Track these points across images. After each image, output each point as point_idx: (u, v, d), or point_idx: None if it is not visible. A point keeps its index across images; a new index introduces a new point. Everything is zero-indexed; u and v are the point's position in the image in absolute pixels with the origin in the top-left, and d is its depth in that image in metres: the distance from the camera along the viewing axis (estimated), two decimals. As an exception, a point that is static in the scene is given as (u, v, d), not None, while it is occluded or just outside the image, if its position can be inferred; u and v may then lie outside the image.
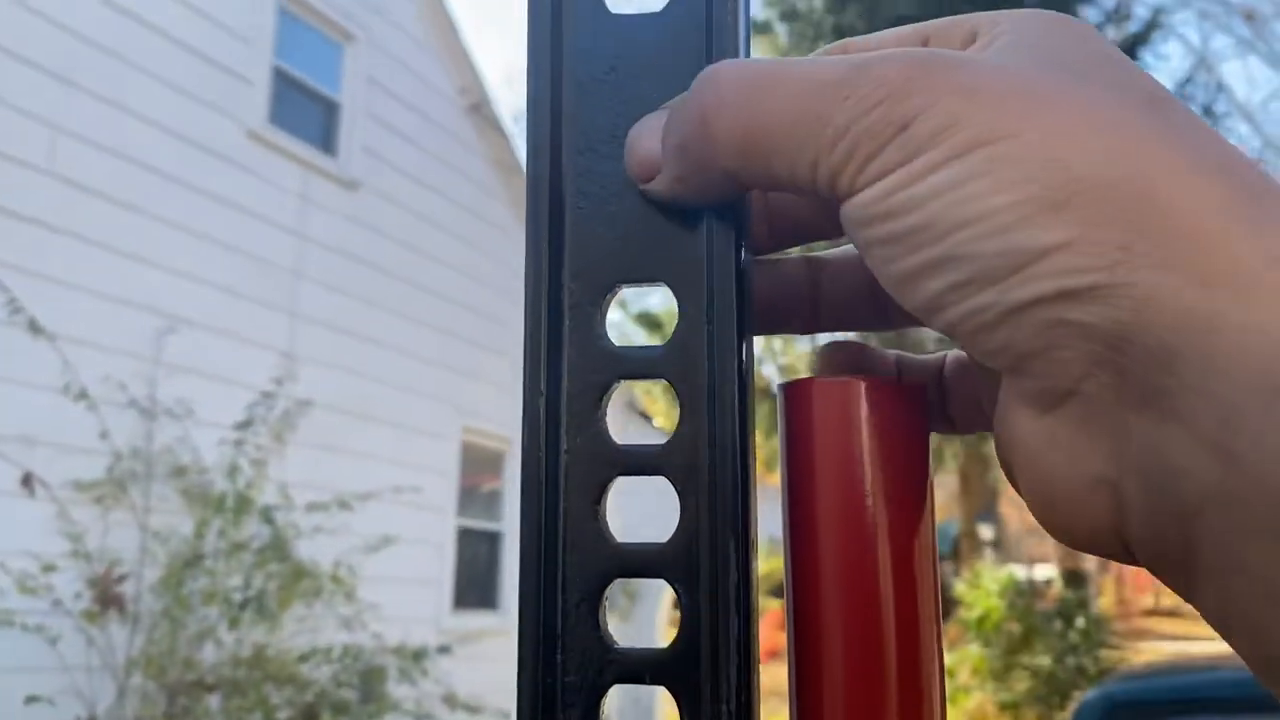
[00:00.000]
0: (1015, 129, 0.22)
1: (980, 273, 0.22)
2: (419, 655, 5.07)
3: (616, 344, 0.28)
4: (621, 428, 0.29)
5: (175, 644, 4.40)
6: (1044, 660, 8.27)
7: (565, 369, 0.28)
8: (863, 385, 0.28)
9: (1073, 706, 2.86)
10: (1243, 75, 23.93)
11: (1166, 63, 20.32)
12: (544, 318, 0.28)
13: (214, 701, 4.50)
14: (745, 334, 0.27)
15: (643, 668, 0.27)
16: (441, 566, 6.39)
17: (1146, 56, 11.98)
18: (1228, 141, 0.23)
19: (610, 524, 0.28)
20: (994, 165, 0.22)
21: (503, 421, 7.09)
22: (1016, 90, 0.23)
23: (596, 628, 0.27)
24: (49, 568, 4.05)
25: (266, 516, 4.80)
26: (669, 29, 0.28)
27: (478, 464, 7.01)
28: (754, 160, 0.25)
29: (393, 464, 5.86)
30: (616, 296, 0.29)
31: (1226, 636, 0.22)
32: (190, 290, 4.92)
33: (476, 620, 6.66)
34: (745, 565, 0.26)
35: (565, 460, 0.27)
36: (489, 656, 6.45)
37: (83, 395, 4.26)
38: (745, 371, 0.27)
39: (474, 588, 6.75)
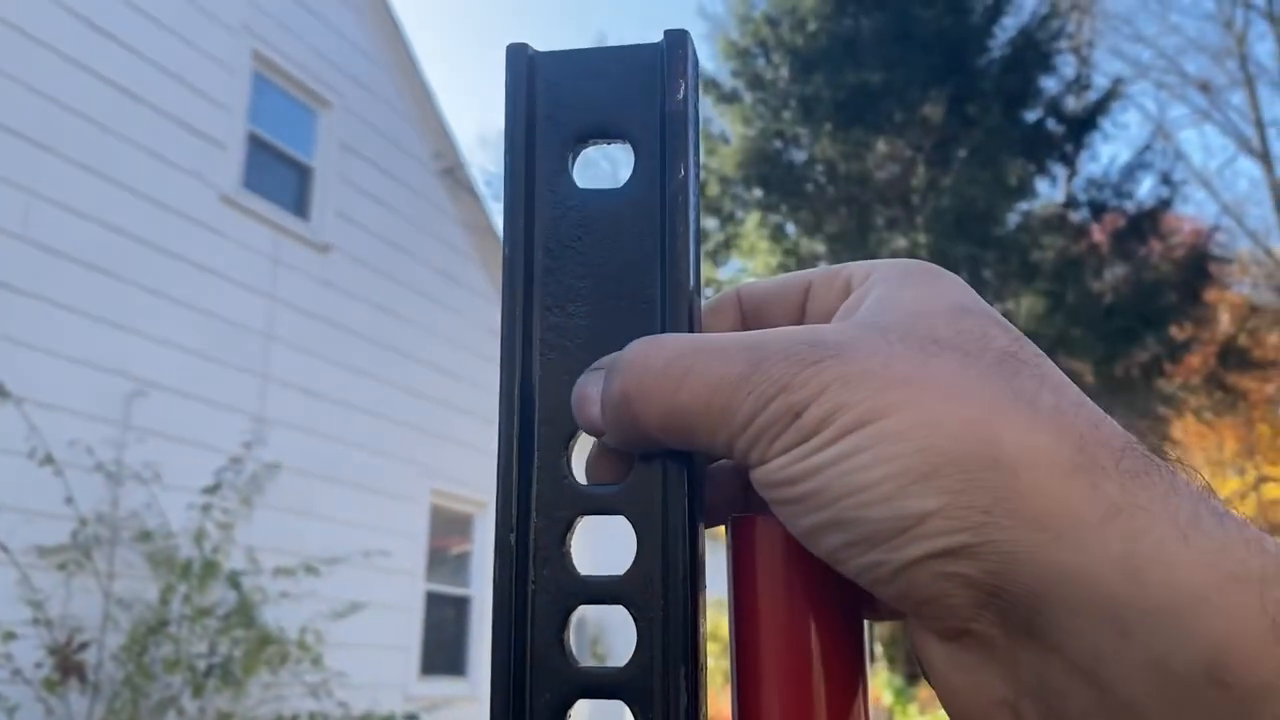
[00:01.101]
0: (888, 410, 0.26)
1: (869, 534, 0.26)
2: (386, 724, 4.99)
3: (580, 482, 0.31)
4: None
5: (137, 713, 4.31)
6: None
7: (534, 505, 0.31)
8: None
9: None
10: (1199, 143, 24.63)
11: (1125, 131, 20.79)
12: (515, 459, 0.31)
13: (175, 772, 4.41)
14: (696, 471, 0.31)
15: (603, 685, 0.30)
16: (409, 632, 6.32)
17: (1106, 125, 12.27)
18: (1070, 387, 0.27)
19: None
20: (874, 442, 0.26)
21: (472, 483, 7.06)
22: (888, 374, 0.27)
23: (562, 651, 0.30)
24: (9, 635, 3.97)
25: (233, 582, 4.75)
26: (628, 202, 0.32)
27: (447, 526, 6.96)
28: (677, 436, 0.29)
29: (361, 527, 5.82)
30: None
31: None
32: (160, 354, 4.90)
33: (444, 687, 6.57)
34: (694, 689, 0.29)
35: (532, 590, 0.30)
36: (457, 723, 6.36)
37: (48, 460, 4.22)
38: (695, 509, 0.30)
39: (442, 653, 6.67)
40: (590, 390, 0.31)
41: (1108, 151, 37.35)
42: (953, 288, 0.30)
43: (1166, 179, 11.89)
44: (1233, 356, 12.13)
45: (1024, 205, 11.21)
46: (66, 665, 4.16)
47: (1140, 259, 11.22)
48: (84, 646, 4.24)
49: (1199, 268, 11.35)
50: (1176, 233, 12.52)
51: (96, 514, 4.46)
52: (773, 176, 10.86)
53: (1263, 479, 17.12)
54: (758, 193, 11.14)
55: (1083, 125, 11.37)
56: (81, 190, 4.66)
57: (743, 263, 11.34)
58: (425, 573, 6.57)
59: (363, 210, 6.44)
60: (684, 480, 0.30)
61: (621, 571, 0.30)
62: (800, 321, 0.33)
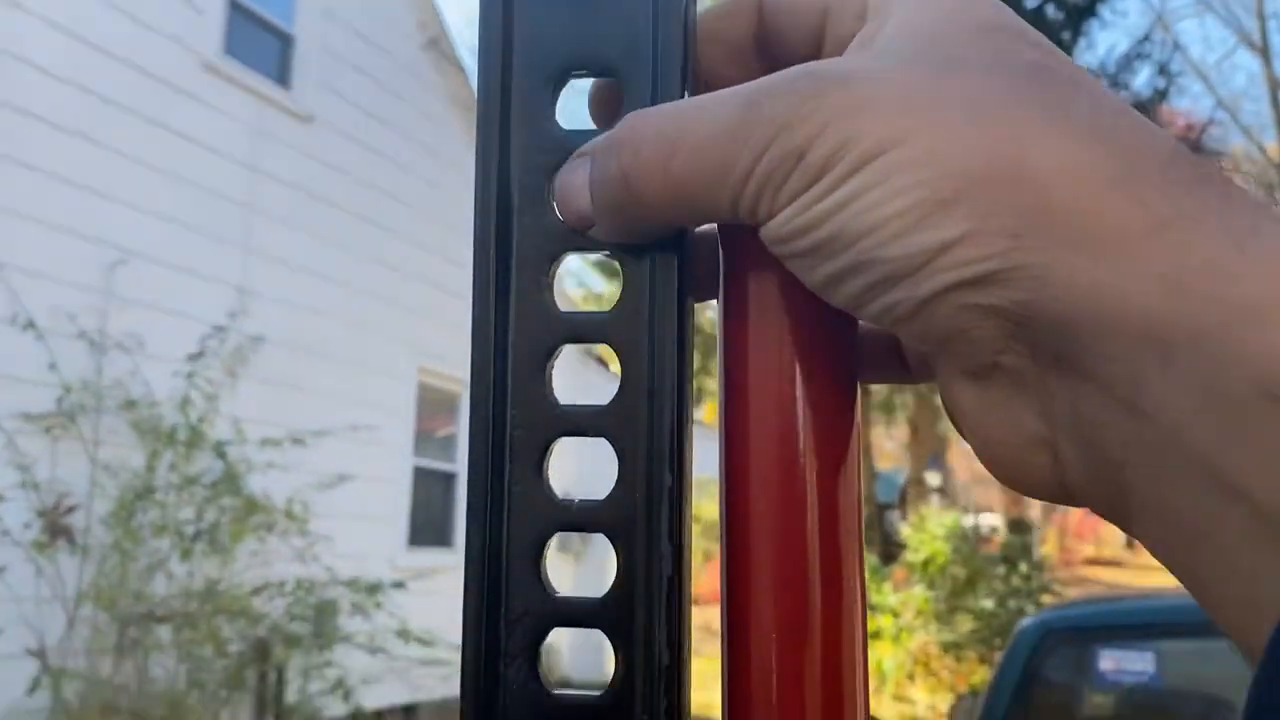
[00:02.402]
0: (901, 137, 0.24)
1: (889, 273, 0.24)
2: (373, 589, 5.10)
3: (563, 308, 0.29)
4: (577, 375, 0.30)
5: (126, 576, 4.39)
6: (986, 603, 8.47)
7: (512, 332, 0.29)
8: None
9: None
10: (1199, 35, 24.17)
11: (1124, 19, 20.43)
12: (493, 282, 0.29)
13: (165, 634, 4.51)
14: (685, 300, 0.29)
15: (581, 615, 0.28)
16: (396, 504, 6.41)
17: (1105, 13, 12.03)
18: (1108, 98, 0.25)
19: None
20: (886, 175, 0.24)
21: (459, 363, 7.08)
22: (899, 98, 0.24)
23: (539, 579, 0.28)
24: (-3, 498, 4.02)
25: (219, 451, 4.79)
26: None
27: (434, 406, 7.01)
28: (679, 209, 0.27)
29: (348, 402, 5.85)
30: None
31: (1167, 568, 0.24)
32: (142, 222, 4.84)
33: (431, 557, 6.70)
34: (678, 522, 0.27)
35: (511, 420, 0.29)
36: (443, 592, 6.50)
37: (30, 326, 4.20)
38: (684, 338, 0.28)
39: (429, 526, 6.78)
40: (575, 177, 0.28)
41: (1106, 40, 36.74)
42: (980, 4, 0.27)
43: (1164, 70, 11.72)
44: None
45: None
46: (55, 528, 4.22)
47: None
48: (72, 510, 4.29)
49: (1191, 161, 11.26)
50: (1170, 125, 12.40)
51: (81, 381, 4.47)
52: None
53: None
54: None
55: (1082, 12, 11.14)
56: (60, 53, 4.53)
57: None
58: (413, 448, 6.64)
59: (346, 81, 6.30)
60: (674, 291, 0.28)
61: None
62: (818, 54, 0.30)
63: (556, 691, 0.28)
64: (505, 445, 0.28)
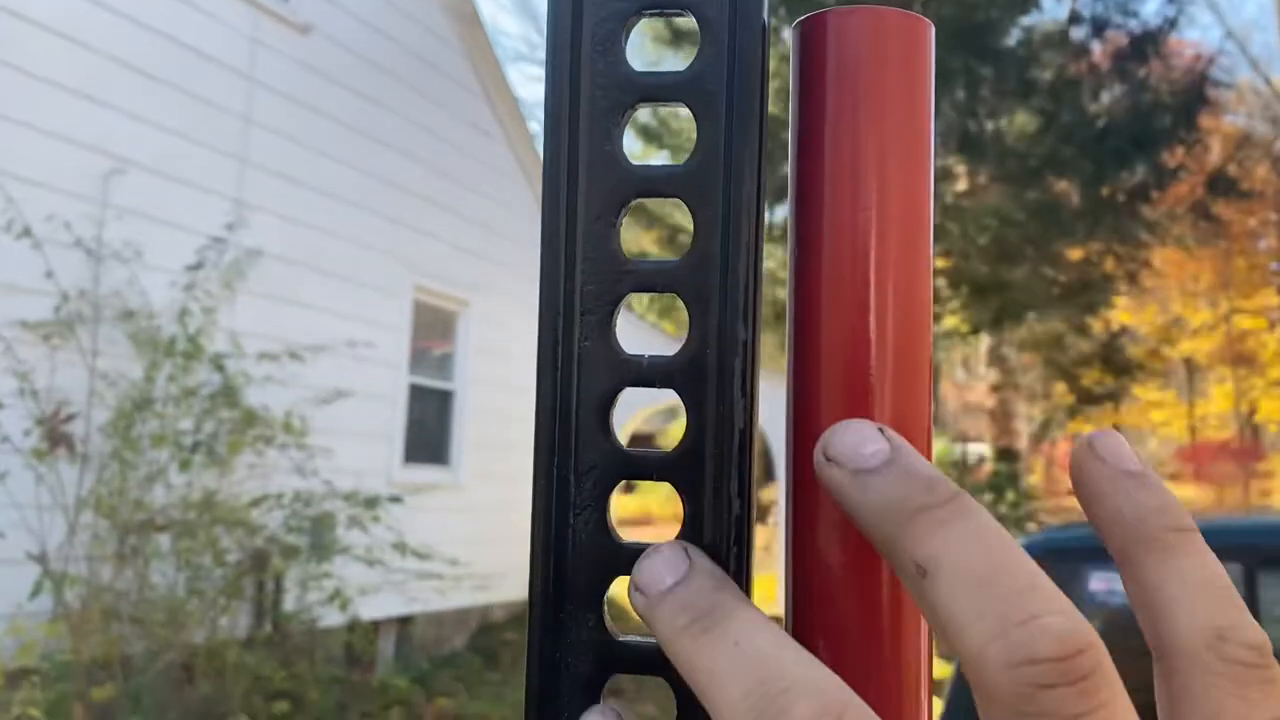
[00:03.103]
0: None
1: None
2: (371, 502, 5.15)
3: (634, 162, 0.28)
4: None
5: (125, 484, 4.43)
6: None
7: (582, 186, 0.28)
8: (886, 14, 0.28)
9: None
10: (1211, -36, 23.70)
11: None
12: (564, 135, 0.28)
13: (164, 542, 4.57)
14: (762, 152, 0.28)
15: (651, 468, 0.28)
16: (393, 421, 6.45)
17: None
18: None
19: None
20: None
21: (456, 281, 7.07)
22: None
23: (607, 432, 0.28)
24: (-4, 404, 4.04)
25: (217, 364, 4.79)
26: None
27: (429, 325, 7.00)
28: None
29: (344, 318, 5.84)
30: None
31: None
32: (138, 131, 4.78)
33: (427, 474, 6.75)
34: (752, 374, 0.27)
35: (582, 276, 0.28)
36: (439, 508, 6.58)
37: (26, 233, 4.18)
38: (760, 191, 0.28)
39: (425, 444, 6.82)
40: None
41: (1116, -29, 35.98)
42: None
43: (1173, -1, 11.53)
44: (1221, 185, 12.08)
45: (1026, 20, 10.87)
46: (54, 436, 4.24)
47: (1139, 81, 10.99)
48: (70, 419, 4.31)
49: (1197, 92, 11.15)
50: (1178, 56, 12.24)
51: (78, 290, 4.45)
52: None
53: (1234, 311, 17.36)
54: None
55: (1094, -62, 10.91)
56: (48, -48, 4.44)
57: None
58: (408, 366, 6.65)
59: (344, -9, 6.18)
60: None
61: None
62: None
63: (626, 541, 0.28)
64: (575, 301, 0.28)
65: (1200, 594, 0.24)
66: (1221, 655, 0.23)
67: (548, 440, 0.28)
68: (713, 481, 0.27)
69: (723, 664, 0.23)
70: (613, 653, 0.27)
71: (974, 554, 0.22)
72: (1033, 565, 0.22)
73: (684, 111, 0.28)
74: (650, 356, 0.28)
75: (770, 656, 0.23)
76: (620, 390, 0.28)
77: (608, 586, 0.28)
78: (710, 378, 0.27)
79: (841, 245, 0.28)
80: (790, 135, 0.29)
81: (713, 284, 0.27)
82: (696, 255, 0.28)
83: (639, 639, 0.27)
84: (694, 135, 0.28)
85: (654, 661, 0.27)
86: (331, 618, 5.15)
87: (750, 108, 0.27)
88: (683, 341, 0.28)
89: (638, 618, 0.26)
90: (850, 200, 0.28)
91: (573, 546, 0.28)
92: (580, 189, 0.28)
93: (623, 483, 0.29)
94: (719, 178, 0.27)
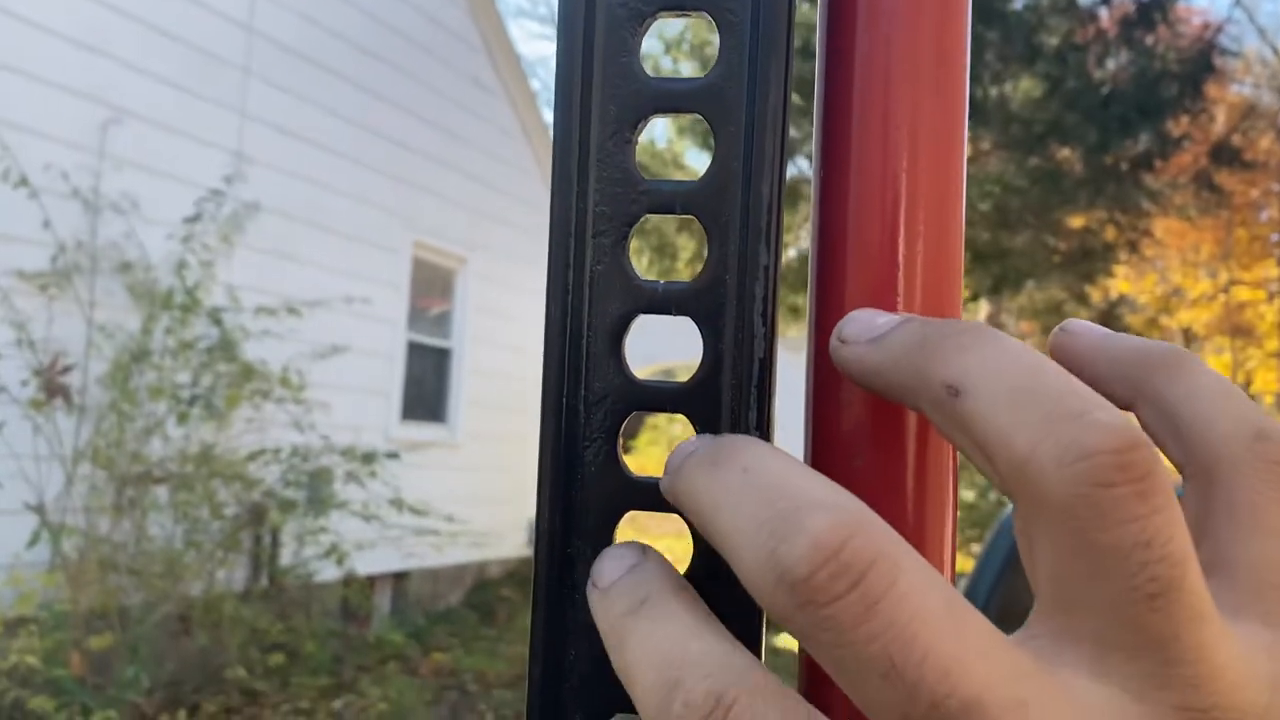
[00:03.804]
0: None
1: None
2: (368, 458, 5.16)
3: (652, 76, 0.27)
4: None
5: (123, 436, 4.43)
6: (967, 495, 8.64)
7: (597, 100, 0.27)
8: None
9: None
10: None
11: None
12: (579, 44, 0.27)
13: (162, 494, 4.58)
14: (789, 66, 0.26)
15: (665, 399, 0.27)
16: (390, 377, 6.44)
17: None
18: None
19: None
20: None
21: (455, 238, 7.04)
22: None
23: (619, 361, 0.27)
24: (-7, 354, 4.03)
25: (214, 317, 4.78)
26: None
27: (428, 283, 6.98)
28: None
29: (342, 273, 5.82)
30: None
31: None
32: (136, 81, 4.74)
33: (424, 431, 6.76)
34: (772, 302, 0.26)
35: (595, 197, 0.27)
36: (436, 465, 6.60)
37: (23, 182, 4.15)
38: (785, 108, 0.26)
39: (422, 401, 6.83)
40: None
41: (1126, -64, 35.63)
42: None
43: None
44: (1224, 155, 12.02)
45: (1034, -16, 10.74)
46: (51, 387, 4.24)
47: (1145, 48, 10.90)
48: (68, 370, 4.30)
49: (1204, 61, 11.06)
50: (1185, 23, 12.14)
51: (75, 241, 4.43)
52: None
53: (1233, 282, 17.35)
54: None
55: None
56: (45, -104, 4.37)
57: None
58: (407, 323, 6.64)
59: (345, -58, 6.10)
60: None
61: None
62: None
63: (636, 475, 0.27)
64: (587, 223, 0.27)
65: (1229, 401, 0.24)
66: (1262, 456, 0.22)
67: (557, 369, 0.27)
68: (730, 415, 0.26)
69: (733, 491, 0.22)
70: None
71: (1008, 364, 0.21)
72: (1069, 374, 0.21)
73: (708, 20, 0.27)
74: (665, 283, 0.27)
75: (783, 478, 0.21)
76: (633, 317, 0.27)
77: (617, 521, 0.27)
78: (729, 305, 0.26)
79: (872, 163, 0.27)
80: (818, 47, 0.28)
81: (733, 205, 0.26)
82: (716, 175, 0.26)
83: None
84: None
85: None
86: (328, 572, 5.18)
87: (777, 16, 0.26)
88: (700, 267, 0.27)
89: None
90: (881, 116, 0.27)
91: (582, 479, 0.27)
92: (595, 102, 0.27)
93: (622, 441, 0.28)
94: (742, 92, 0.26)
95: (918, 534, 0.26)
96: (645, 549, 0.25)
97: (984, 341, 0.22)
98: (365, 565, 5.47)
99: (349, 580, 5.22)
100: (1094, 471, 0.19)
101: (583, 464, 0.27)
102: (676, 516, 0.26)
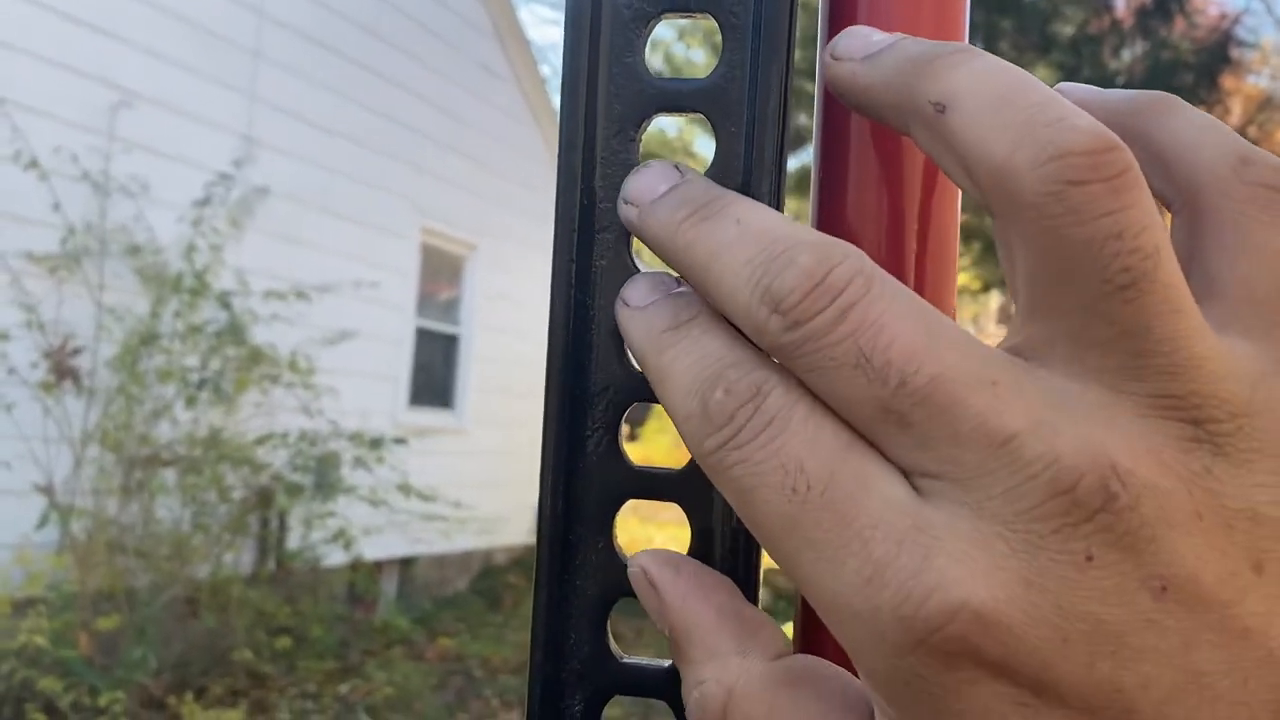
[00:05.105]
0: None
1: None
2: (376, 443, 5.17)
3: (655, 76, 0.28)
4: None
5: (131, 419, 4.44)
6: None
7: (602, 98, 0.28)
8: None
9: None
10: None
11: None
12: (585, 44, 0.27)
13: (170, 477, 4.59)
14: (789, 72, 0.27)
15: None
16: (398, 363, 6.45)
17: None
18: None
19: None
20: None
21: (464, 225, 7.03)
22: None
23: (621, 354, 0.27)
24: (2, 336, 4.04)
25: (223, 301, 4.79)
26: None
27: (436, 269, 6.98)
28: None
29: (351, 258, 5.82)
30: None
31: None
32: (145, 64, 4.73)
33: (432, 418, 6.77)
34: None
35: (598, 195, 0.28)
36: (443, 451, 6.61)
37: (33, 164, 4.15)
38: (785, 111, 0.27)
39: (430, 387, 6.84)
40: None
41: (1142, -74, 35.39)
42: None
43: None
44: (1239, 147, 11.98)
45: (1049, -27, 10.68)
46: (60, 369, 4.25)
47: (1161, 39, 10.84)
48: (77, 352, 4.31)
49: (1220, 52, 10.98)
50: (1202, 13, 12.05)
51: (85, 223, 4.44)
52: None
53: (1247, 275, 17.31)
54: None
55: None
56: (56, -123, 4.36)
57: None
58: (415, 309, 6.64)
59: (356, -75, 6.08)
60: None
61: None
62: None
63: (637, 465, 0.28)
64: (592, 218, 0.28)
65: (1214, 132, 0.24)
66: (1247, 179, 0.22)
67: (560, 361, 0.28)
68: None
69: (726, 240, 0.23)
70: (621, 575, 0.27)
71: (993, 77, 0.21)
72: (1052, 89, 0.21)
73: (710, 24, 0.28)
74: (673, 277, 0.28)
75: (775, 226, 0.22)
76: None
77: (618, 508, 0.28)
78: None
79: (868, 157, 0.28)
80: (819, 53, 0.28)
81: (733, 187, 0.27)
82: (718, 173, 0.27)
83: None
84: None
85: None
86: (335, 557, 5.20)
87: (779, 19, 0.27)
88: None
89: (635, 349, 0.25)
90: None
91: (584, 467, 0.28)
92: (600, 101, 0.28)
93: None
94: (743, 93, 0.27)
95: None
96: (678, 280, 0.26)
97: (971, 58, 0.22)
98: (372, 550, 5.49)
99: (356, 565, 5.23)
100: (1066, 170, 0.19)
101: (585, 453, 0.28)
102: (677, 506, 0.27)
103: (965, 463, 0.19)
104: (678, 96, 0.27)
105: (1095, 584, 0.18)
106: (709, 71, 0.27)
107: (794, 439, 0.20)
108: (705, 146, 10.50)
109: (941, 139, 0.22)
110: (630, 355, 0.28)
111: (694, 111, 0.28)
